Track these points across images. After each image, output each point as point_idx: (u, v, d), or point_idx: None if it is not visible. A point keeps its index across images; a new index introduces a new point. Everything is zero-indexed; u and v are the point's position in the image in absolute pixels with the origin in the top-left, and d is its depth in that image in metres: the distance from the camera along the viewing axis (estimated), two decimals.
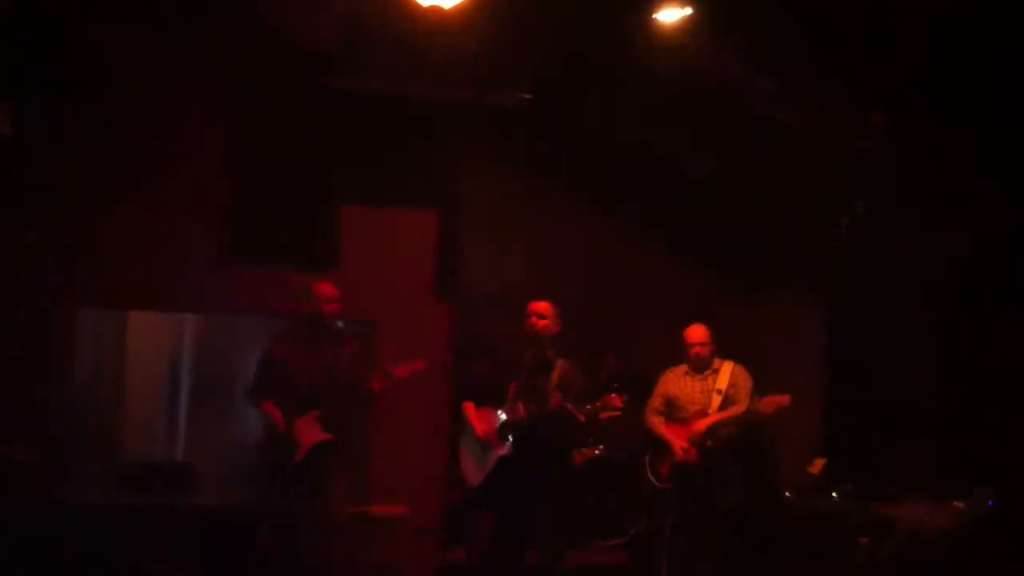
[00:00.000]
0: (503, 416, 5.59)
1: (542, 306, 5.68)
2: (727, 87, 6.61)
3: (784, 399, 5.91)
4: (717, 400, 6.02)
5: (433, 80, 6.56)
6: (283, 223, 6.71)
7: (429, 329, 6.79)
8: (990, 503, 5.48)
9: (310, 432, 5.66)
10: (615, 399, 7.05)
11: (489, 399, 5.68)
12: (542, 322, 5.63)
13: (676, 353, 6.20)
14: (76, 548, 5.69)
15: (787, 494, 6.86)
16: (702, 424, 5.96)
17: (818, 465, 6.89)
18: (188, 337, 7.08)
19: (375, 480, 6.67)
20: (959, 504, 5.63)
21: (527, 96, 6.78)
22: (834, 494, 6.64)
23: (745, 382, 6.05)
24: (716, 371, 6.09)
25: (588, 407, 5.56)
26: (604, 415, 6.99)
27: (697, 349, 6.09)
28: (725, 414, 5.95)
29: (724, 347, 6.19)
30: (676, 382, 6.18)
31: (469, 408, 5.74)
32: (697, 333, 6.13)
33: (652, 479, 6.08)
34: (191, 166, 6.64)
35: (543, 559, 5.58)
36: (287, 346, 5.83)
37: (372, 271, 6.62)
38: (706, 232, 7.59)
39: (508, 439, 5.54)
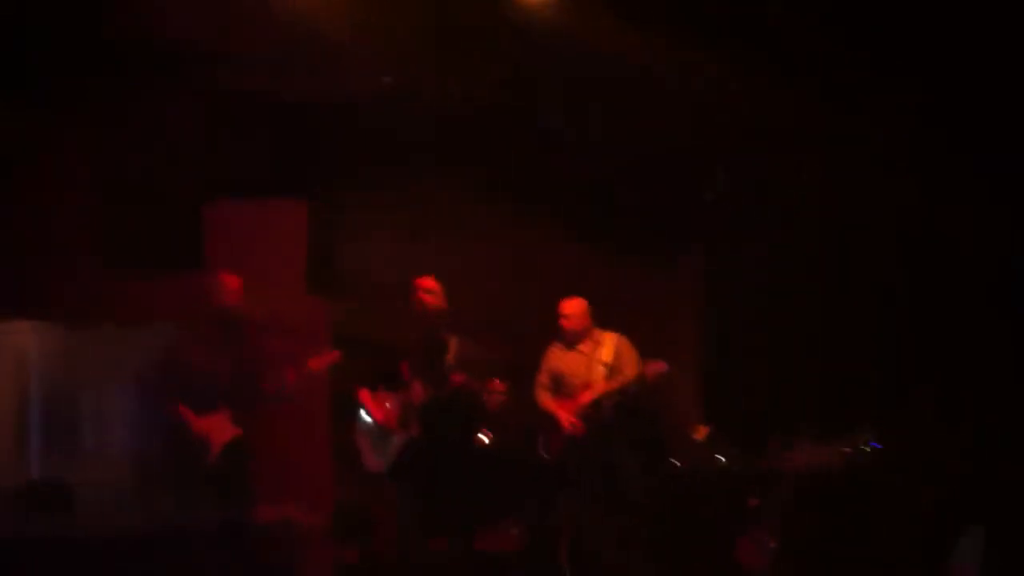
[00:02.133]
0: (402, 400, 5.47)
1: (428, 282, 5.60)
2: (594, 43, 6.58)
3: (660, 365, 6.01)
4: (601, 371, 6.03)
5: (299, 70, 6.40)
6: (146, 225, 6.43)
7: (306, 322, 6.56)
8: (872, 444, 5.70)
9: (220, 431, 5.43)
10: (497, 383, 7.10)
11: (383, 384, 5.55)
12: (430, 298, 5.54)
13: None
14: None
15: (676, 463, 6.99)
16: (587, 396, 5.99)
17: (702, 432, 7.04)
18: (48, 347, 6.67)
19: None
20: (843, 448, 5.84)
21: (388, 79, 6.69)
22: (721, 458, 6.81)
23: (630, 352, 6.07)
24: (598, 343, 6.12)
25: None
26: (491, 400, 7.05)
27: (563, 322, 6.07)
28: (610, 385, 5.99)
29: (602, 319, 6.23)
30: (560, 356, 6.17)
31: (364, 395, 5.58)
32: (566, 306, 6.11)
33: (544, 456, 6.08)
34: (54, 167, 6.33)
35: (453, 545, 5.49)
36: (191, 346, 5.55)
37: (241, 268, 6.36)
38: (583, 203, 7.62)
39: (411, 423, 5.42)
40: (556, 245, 7.65)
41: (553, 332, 6.18)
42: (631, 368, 6.01)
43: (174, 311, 6.09)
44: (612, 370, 6.02)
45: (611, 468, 5.91)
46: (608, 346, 6.09)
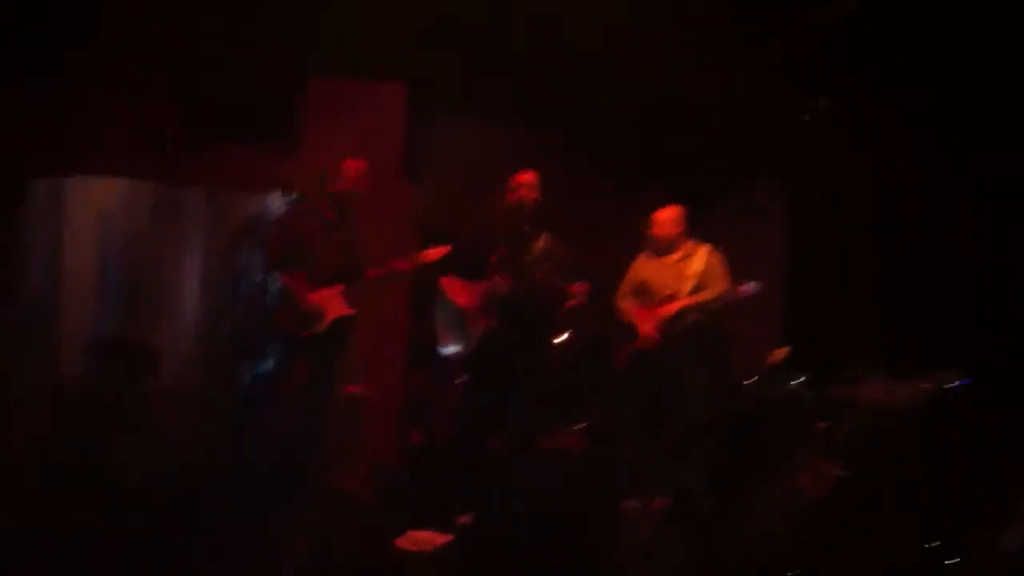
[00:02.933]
0: (485, 289, 5.48)
1: (528, 176, 5.56)
2: None
3: (751, 286, 5.94)
4: (689, 284, 5.98)
5: None
6: (244, 97, 6.47)
7: (396, 208, 6.61)
8: (957, 383, 5.58)
9: (333, 305, 5.57)
10: (579, 285, 7.08)
11: (468, 272, 5.57)
12: (527, 192, 5.52)
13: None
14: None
15: (745, 382, 6.95)
16: (670, 308, 5.94)
17: (780, 354, 6.98)
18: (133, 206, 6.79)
19: None
20: (922, 384, 5.72)
21: None
22: (792, 382, 6.75)
23: (719, 268, 5.99)
24: (689, 256, 6.04)
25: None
26: (568, 303, 7.04)
27: (654, 230, 6.00)
28: (697, 298, 5.93)
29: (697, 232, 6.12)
30: (646, 265, 6.11)
31: (447, 282, 5.60)
32: (659, 213, 6.04)
33: (612, 365, 6.07)
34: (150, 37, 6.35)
35: (514, 442, 5.52)
36: (313, 220, 5.68)
37: (337, 147, 6.37)
38: (670, 133, 7.51)
39: (491, 312, 5.44)
40: (651, 162, 7.56)
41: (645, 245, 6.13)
42: (719, 284, 5.93)
43: (265, 182, 6.21)
44: (699, 284, 5.96)
45: (675, 381, 5.88)
46: (699, 259, 6.00)
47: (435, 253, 5.61)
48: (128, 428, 5.60)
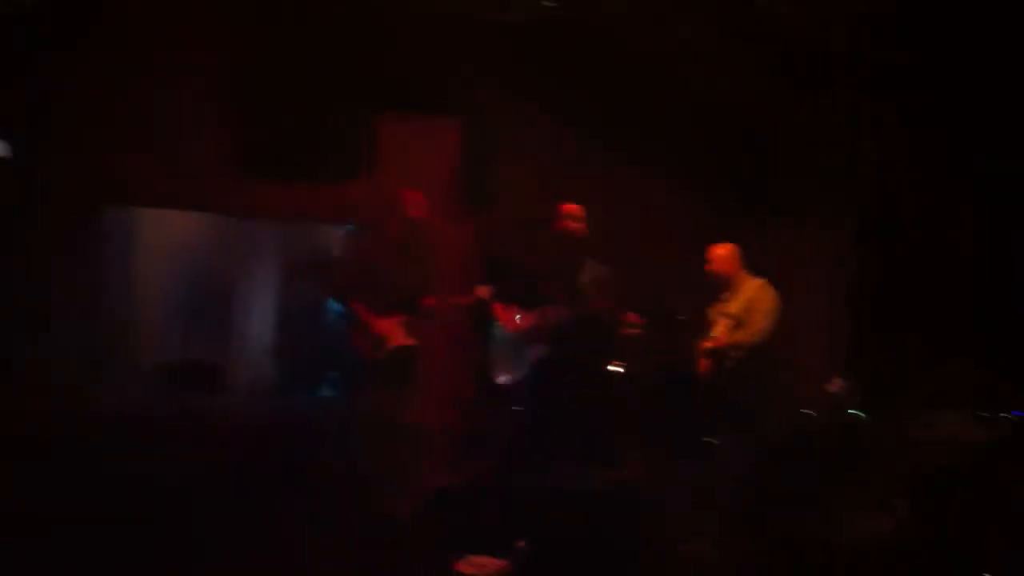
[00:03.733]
0: (538, 318, 5.56)
1: (573, 208, 5.65)
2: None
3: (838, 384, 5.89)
4: (724, 323, 5.97)
5: None
6: (308, 132, 6.68)
7: (453, 239, 6.74)
8: (1015, 412, 5.48)
9: (396, 334, 5.71)
10: (632, 316, 7.11)
11: (521, 301, 5.66)
12: (573, 223, 5.60)
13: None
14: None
15: (806, 412, 6.89)
16: (707, 343, 5.95)
17: (837, 383, 6.91)
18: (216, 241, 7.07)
19: None
20: (998, 415, 5.61)
21: (551, 4, 6.69)
22: (854, 411, 6.67)
23: (763, 304, 5.95)
24: (735, 292, 6.04)
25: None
26: (624, 332, 7.06)
27: (706, 266, 6.04)
28: (734, 337, 5.88)
29: (756, 268, 6.13)
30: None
31: (499, 309, 5.70)
32: (712, 250, 6.07)
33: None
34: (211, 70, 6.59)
35: (566, 481, 5.53)
36: (379, 250, 5.87)
37: (397, 180, 6.52)
38: (729, 158, 7.52)
39: (544, 340, 5.49)
40: (704, 198, 7.58)
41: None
42: (760, 322, 5.89)
43: (327, 215, 6.39)
44: (739, 322, 5.94)
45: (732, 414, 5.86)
46: (742, 296, 5.99)
47: (483, 291, 5.79)
48: (196, 448, 5.81)
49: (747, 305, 5.96)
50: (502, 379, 5.65)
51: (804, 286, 7.14)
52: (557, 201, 5.78)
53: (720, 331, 5.93)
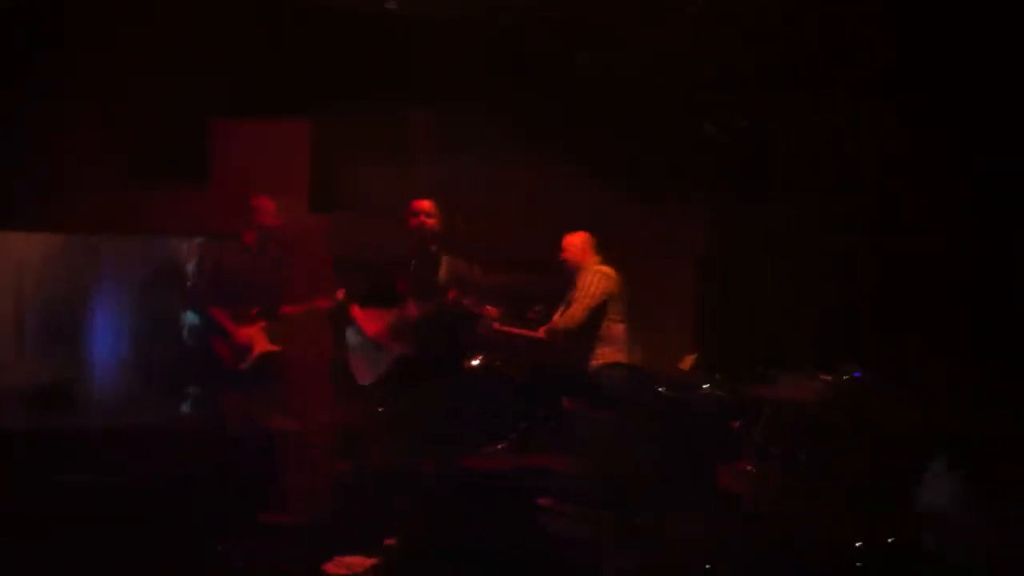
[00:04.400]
0: (396, 316, 5.59)
1: (426, 204, 5.72)
2: None
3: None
4: (561, 310, 6.15)
5: None
6: (153, 137, 6.57)
7: (310, 241, 6.70)
8: (856, 374, 5.79)
9: (258, 340, 5.69)
10: (491, 310, 7.23)
11: (376, 300, 5.69)
12: (426, 219, 5.67)
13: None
14: None
15: (659, 389, 7.12)
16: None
17: (688, 360, 7.17)
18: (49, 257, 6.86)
19: None
20: (825, 377, 5.92)
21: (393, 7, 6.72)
22: (704, 385, 6.94)
23: (588, 288, 6.07)
24: (578, 279, 6.15)
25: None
26: (483, 324, 7.17)
27: (563, 255, 6.19)
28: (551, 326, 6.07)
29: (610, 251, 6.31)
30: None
31: (356, 310, 5.72)
32: (565, 239, 6.22)
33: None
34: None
35: (441, 465, 5.62)
36: (236, 257, 5.87)
37: (247, 184, 6.47)
38: (595, 136, 7.64)
39: (404, 338, 5.54)
40: (569, 179, 7.69)
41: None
42: (578, 306, 6.02)
43: (177, 224, 6.30)
44: (567, 308, 6.09)
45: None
46: (577, 283, 6.12)
47: (340, 293, 5.84)
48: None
49: (578, 286, 6.11)
50: (364, 380, 5.67)
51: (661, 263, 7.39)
52: (409, 198, 5.80)
53: (556, 315, 6.09)
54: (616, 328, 6.16)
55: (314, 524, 6.02)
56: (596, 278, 6.08)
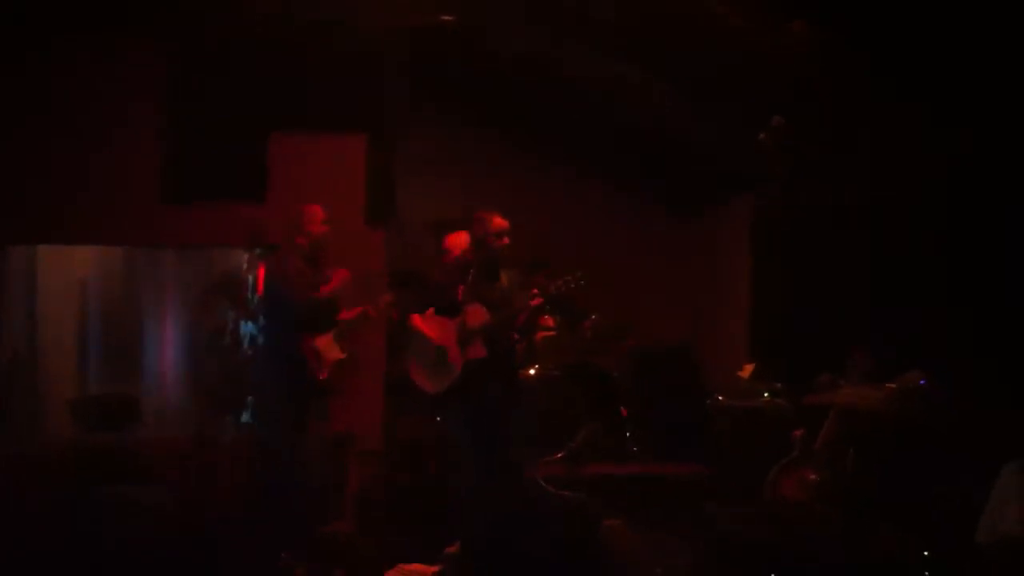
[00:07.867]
0: (457, 324, 5.53)
1: (501, 222, 5.61)
2: None
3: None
4: None
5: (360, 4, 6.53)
6: (212, 155, 6.66)
7: (364, 255, 6.73)
8: (922, 382, 5.69)
9: (331, 348, 5.76)
10: (547, 320, 7.23)
11: (438, 309, 5.65)
12: (500, 240, 5.59)
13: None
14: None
15: (720, 398, 7.08)
16: None
17: (748, 370, 7.12)
18: (127, 271, 7.02)
19: None
20: (891, 385, 5.84)
21: (450, 19, 6.76)
22: (766, 394, 6.88)
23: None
24: None
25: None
26: (539, 335, 7.19)
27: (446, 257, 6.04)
28: None
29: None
30: None
31: (418, 320, 5.65)
32: (449, 240, 6.01)
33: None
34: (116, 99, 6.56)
35: (512, 471, 5.56)
36: (291, 271, 5.79)
37: (303, 199, 6.53)
38: (639, 159, 7.67)
39: (471, 344, 5.45)
40: (609, 190, 7.70)
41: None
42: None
43: (236, 238, 6.37)
44: None
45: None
46: None
47: (386, 297, 5.89)
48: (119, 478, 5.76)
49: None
50: (427, 386, 5.63)
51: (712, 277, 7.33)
52: (470, 209, 5.80)
53: None
54: None
55: (376, 533, 6.06)
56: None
